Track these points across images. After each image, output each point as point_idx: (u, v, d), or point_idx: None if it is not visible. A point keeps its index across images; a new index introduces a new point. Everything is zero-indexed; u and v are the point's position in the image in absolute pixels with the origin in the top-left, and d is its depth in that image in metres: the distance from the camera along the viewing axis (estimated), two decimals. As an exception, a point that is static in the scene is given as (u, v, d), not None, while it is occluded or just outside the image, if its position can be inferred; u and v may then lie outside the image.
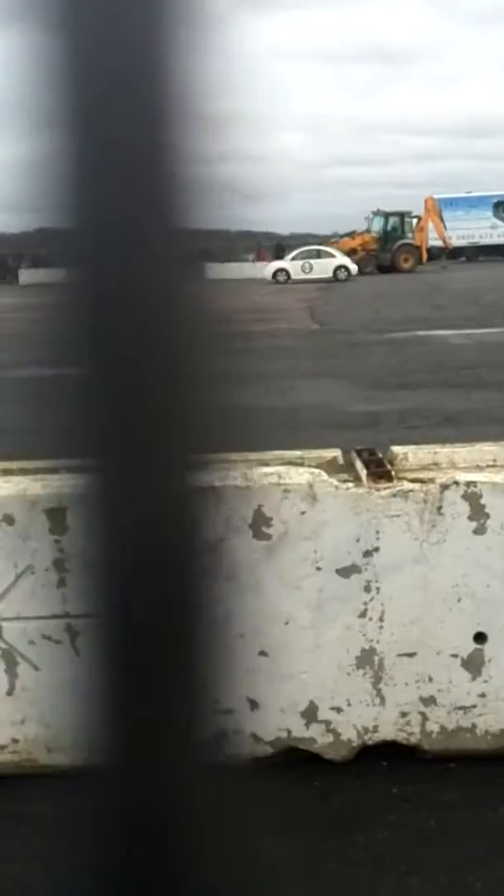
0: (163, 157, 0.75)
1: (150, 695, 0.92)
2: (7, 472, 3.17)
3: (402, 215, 50.12)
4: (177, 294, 0.80)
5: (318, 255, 44.81)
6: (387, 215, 49.46)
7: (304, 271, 42.76)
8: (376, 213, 49.91)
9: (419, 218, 51.31)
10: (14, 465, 3.28)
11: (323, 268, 43.00)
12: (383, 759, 2.92)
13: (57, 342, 0.82)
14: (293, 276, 42.39)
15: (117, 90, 0.73)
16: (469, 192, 58.03)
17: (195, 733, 0.94)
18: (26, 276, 57.35)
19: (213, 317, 0.83)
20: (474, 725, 2.92)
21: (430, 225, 51.68)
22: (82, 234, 0.76)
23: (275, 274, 43.19)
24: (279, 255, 58.08)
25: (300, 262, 43.65)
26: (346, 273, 42.82)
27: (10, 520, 2.86)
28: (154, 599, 0.87)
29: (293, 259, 44.64)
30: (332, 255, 44.74)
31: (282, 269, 43.59)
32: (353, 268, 43.86)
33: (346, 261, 44.26)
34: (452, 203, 54.91)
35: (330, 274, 42.52)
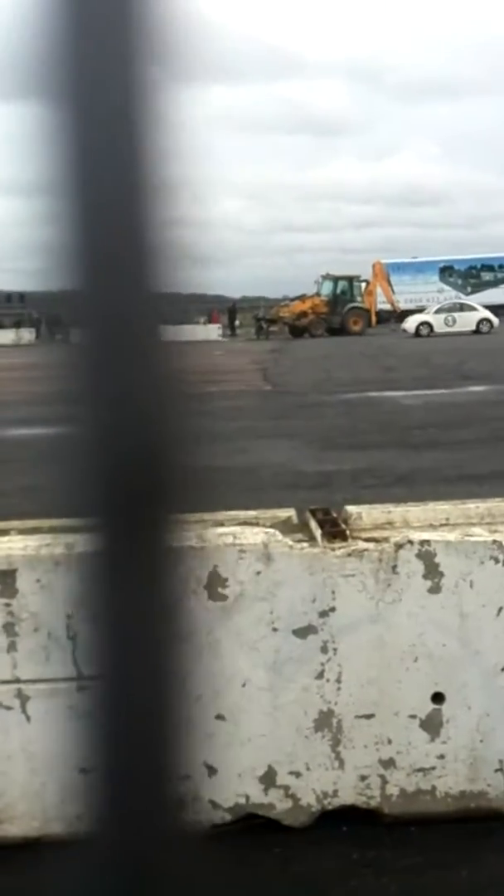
0: (140, 224, 0.81)
1: (126, 761, 0.92)
2: (-42, 535, 3.13)
3: (350, 279, 51.02)
4: (153, 354, 0.86)
5: (461, 308, 45.39)
6: (336, 279, 50.31)
7: (447, 324, 43.07)
8: (325, 277, 50.76)
9: (367, 282, 52.31)
10: (-35, 527, 3.24)
11: (466, 321, 43.58)
12: (343, 823, 2.88)
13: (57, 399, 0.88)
14: (436, 330, 42.53)
15: (101, 162, 0.80)
16: (415, 258, 59.48)
17: (166, 799, 0.95)
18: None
19: (179, 378, 0.87)
20: (434, 787, 2.90)
21: (379, 289, 52.75)
22: (82, 296, 0.83)
23: (417, 329, 43.13)
24: (232, 318, 58.80)
25: (443, 316, 43.93)
26: (489, 325, 43.49)
27: (-40, 583, 2.81)
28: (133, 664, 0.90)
29: (436, 312, 44.81)
30: (474, 309, 45.37)
31: (425, 323, 43.57)
32: (496, 321, 44.33)
33: (489, 314, 44.75)
34: (400, 268, 56.24)
35: (472, 327, 43.07)
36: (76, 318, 0.83)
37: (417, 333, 42.17)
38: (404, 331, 43.87)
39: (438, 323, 43.12)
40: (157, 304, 0.84)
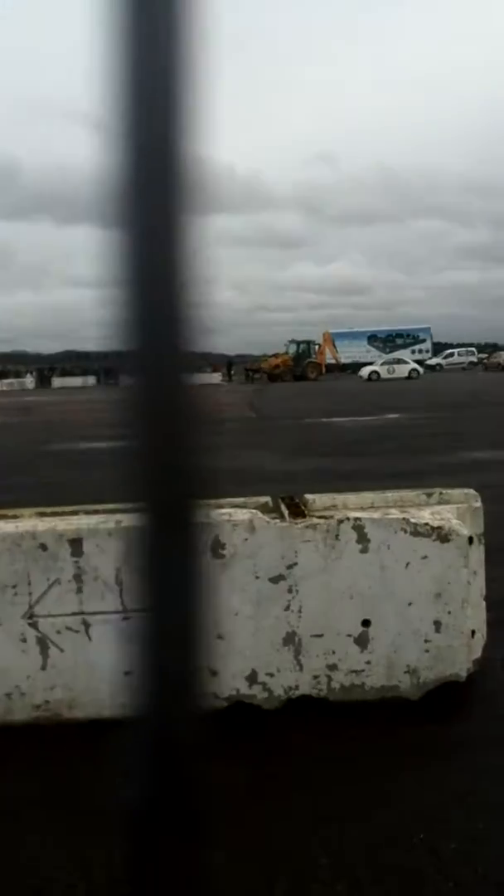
0: (176, 309, 0.85)
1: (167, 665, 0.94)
2: (42, 514, 3.12)
3: (308, 343, 51.19)
4: (187, 395, 0.90)
5: (398, 361, 45.31)
6: (298, 343, 50.44)
7: (389, 373, 42.93)
8: (291, 342, 50.86)
9: (320, 345, 52.47)
10: (48, 509, 3.23)
11: (402, 370, 43.34)
12: (302, 707, 2.88)
13: (125, 425, 0.88)
14: (382, 376, 42.37)
15: (150, 268, 0.84)
16: (351, 329, 59.73)
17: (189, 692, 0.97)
18: (57, 382, 56.92)
19: (199, 409, 0.92)
20: (363, 683, 2.90)
21: (327, 350, 52.95)
22: (134, 354, 0.86)
23: (369, 375, 42.96)
24: (229, 369, 58.74)
25: (387, 367, 44.02)
26: (416, 373, 43.45)
27: (44, 547, 2.81)
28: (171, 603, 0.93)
29: (382, 364, 44.86)
30: (407, 363, 45.28)
31: (374, 372, 43.49)
32: (422, 370, 44.40)
33: (417, 366, 44.81)
34: (341, 335, 56.60)
35: (406, 374, 42.90)
36: (129, 370, 0.86)
37: (369, 379, 42.24)
38: (360, 377, 43.82)
39: (383, 371, 43.18)
40: (186, 360, 0.87)
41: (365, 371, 43.86)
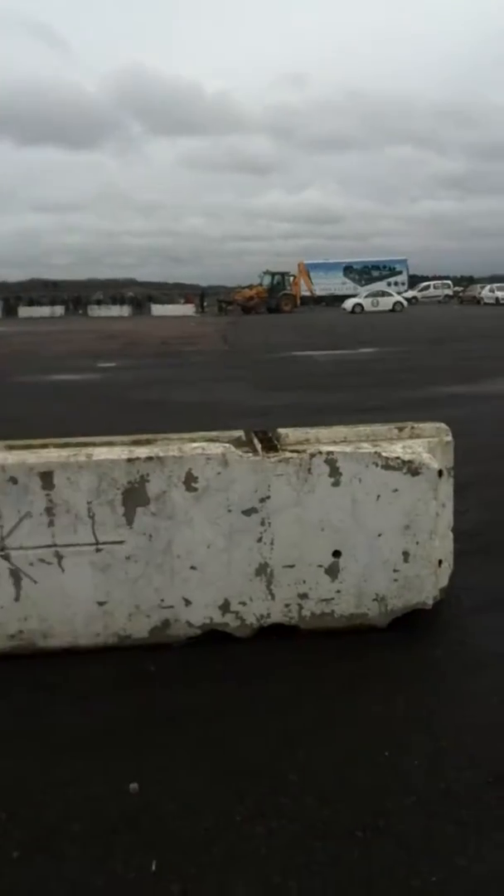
0: None
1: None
2: (12, 448, 3.08)
3: (283, 274, 50.21)
4: None
5: (383, 294, 44.13)
6: (273, 274, 49.46)
7: (373, 306, 41.87)
8: (266, 273, 49.85)
9: (294, 276, 51.57)
10: (18, 442, 3.19)
11: (385, 303, 42.29)
12: (274, 635, 2.95)
13: None
14: (366, 309, 41.30)
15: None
16: (327, 259, 58.66)
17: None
18: (24, 311, 55.44)
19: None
20: (333, 611, 2.98)
21: (302, 281, 52.08)
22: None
23: (353, 308, 41.84)
24: (202, 300, 57.71)
25: (371, 299, 42.83)
26: (400, 306, 42.36)
27: (14, 480, 2.78)
28: None
29: (366, 297, 43.56)
30: (391, 295, 44.18)
31: (358, 304, 42.27)
32: (405, 303, 43.08)
33: (401, 298, 43.59)
34: (316, 266, 55.52)
35: (390, 307, 41.88)
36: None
37: (353, 311, 41.24)
38: (343, 309, 42.79)
39: (367, 304, 42.21)
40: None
41: (349, 303, 43.02)
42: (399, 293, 55.89)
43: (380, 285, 57.27)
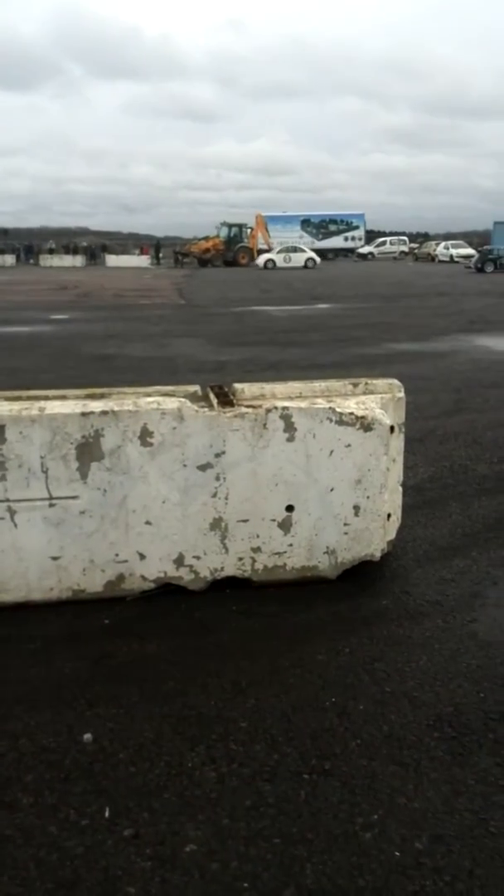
0: None
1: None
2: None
3: (241, 226, 49.24)
4: None
5: (295, 250, 43.43)
6: (230, 226, 48.46)
7: (285, 262, 41.26)
8: (223, 224, 48.82)
9: (252, 228, 50.61)
10: (-33, 395, 3.08)
11: (298, 259, 41.67)
12: (227, 588, 2.98)
13: None
14: (278, 265, 40.78)
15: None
16: (284, 212, 57.80)
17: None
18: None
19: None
20: (285, 564, 3.02)
21: (259, 234, 51.16)
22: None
23: (265, 263, 41.26)
24: (157, 251, 56.30)
25: (283, 255, 42.20)
26: (312, 263, 41.85)
27: (-36, 434, 2.69)
28: None
29: (278, 252, 42.87)
30: (304, 251, 43.42)
31: (270, 260, 41.69)
32: (318, 260, 42.55)
33: (314, 255, 43.04)
34: (274, 219, 54.60)
35: (302, 263, 41.32)
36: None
37: (265, 267, 41.01)
38: (249, 265, 42.51)
39: (279, 260, 41.93)
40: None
41: (261, 259, 42.77)
42: (356, 248, 55.55)
43: (337, 240, 56.87)
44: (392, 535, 3.27)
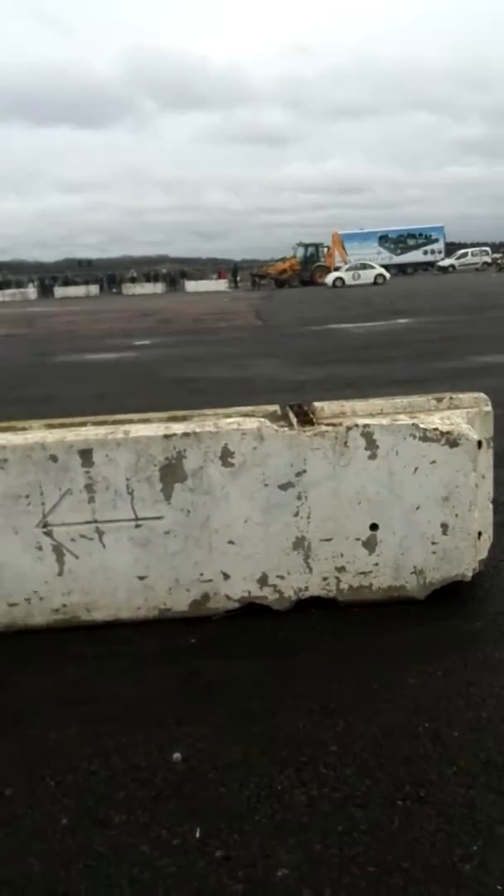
0: None
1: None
2: (52, 426, 3.12)
3: (317, 245, 49.59)
4: None
5: (363, 267, 43.62)
6: (307, 246, 48.88)
7: (354, 279, 41.59)
8: (299, 244, 49.28)
9: (328, 247, 50.78)
10: (56, 420, 3.23)
11: (367, 276, 41.91)
12: (312, 608, 2.97)
13: None
14: (347, 283, 41.08)
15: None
16: (361, 229, 57.65)
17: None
18: (59, 291, 56.01)
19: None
20: (371, 584, 2.97)
21: (336, 252, 51.22)
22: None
23: (334, 282, 41.60)
24: (235, 275, 57.35)
25: (352, 273, 42.50)
26: (382, 279, 41.86)
27: (54, 458, 2.82)
28: None
29: (347, 270, 43.22)
30: (373, 267, 43.62)
31: (339, 278, 42.05)
32: (387, 275, 42.62)
33: (383, 270, 43.15)
34: (351, 237, 54.61)
35: (371, 280, 41.49)
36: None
37: (334, 285, 40.67)
38: (324, 284, 42.23)
39: (348, 278, 41.60)
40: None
41: (330, 278, 42.40)
42: (435, 262, 54.64)
43: (416, 254, 56.17)
44: (484, 554, 3.16)
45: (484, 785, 1.95)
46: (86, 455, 2.82)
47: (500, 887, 1.64)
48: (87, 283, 60.32)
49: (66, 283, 62.66)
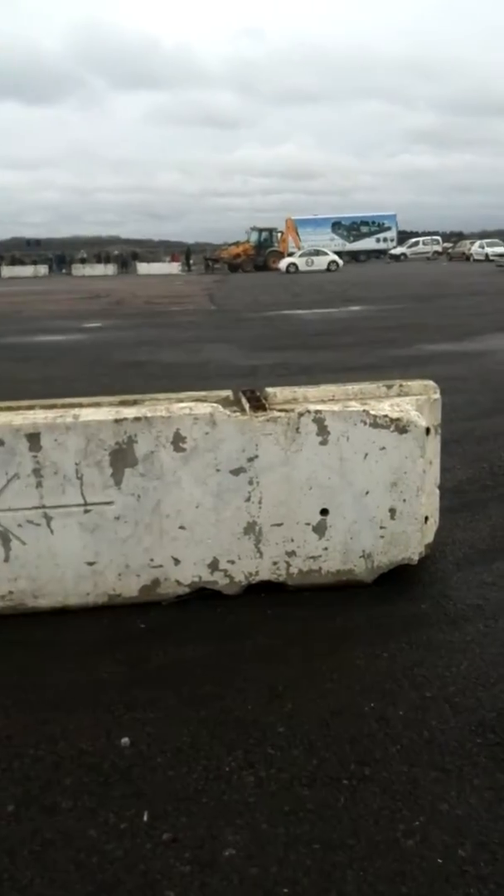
0: None
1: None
2: (-2, 409, 3.05)
3: (271, 230, 49.50)
4: None
5: (317, 253, 43.17)
6: (260, 230, 48.72)
7: (308, 265, 41.16)
8: (253, 229, 49.09)
9: (282, 232, 50.74)
10: (2, 403, 3.15)
11: (321, 262, 41.53)
12: (262, 592, 2.99)
13: None
14: (300, 269, 40.64)
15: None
16: (315, 215, 57.75)
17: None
18: (6, 271, 54.50)
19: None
20: (320, 568, 3.01)
21: (290, 237, 51.22)
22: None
23: (287, 268, 41.10)
24: (188, 258, 56.79)
25: (305, 258, 42.03)
26: (335, 265, 41.63)
27: (1, 442, 2.76)
28: None
29: (300, 256, 42.69)
30: (326, 254, 43.22)
31: (292, 264, 41.58)
32: (341, 262, 42.39)
33: (336, 257, 42.90)
34: (304, 222, 54.64)
35: (325, 266, 41.17)
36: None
37: (287, 271, 40.63)
38: (278, 269, 42.17)
39: (302, 264, 41.54)
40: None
41: (283, 263, 42.37)
42: (387, 249, 55.19)
43: (369, 241, 56.60)
44: (430, 538, 3.24)
45: (427, 762, 2.02)
46: (33, 439, 2.77)
47: (440, 861, 1.70)
48: (35, 263, 58.75)
49: (14, 262, 60.90)
